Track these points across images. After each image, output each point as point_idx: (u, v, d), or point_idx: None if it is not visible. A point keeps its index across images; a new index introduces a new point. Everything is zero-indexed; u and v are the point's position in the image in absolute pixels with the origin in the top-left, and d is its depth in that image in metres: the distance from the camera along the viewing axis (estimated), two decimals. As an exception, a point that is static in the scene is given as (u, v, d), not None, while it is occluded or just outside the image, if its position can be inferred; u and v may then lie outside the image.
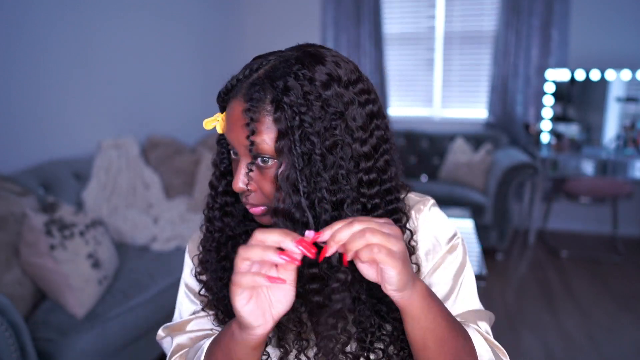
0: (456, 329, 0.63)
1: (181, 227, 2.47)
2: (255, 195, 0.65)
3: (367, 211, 0.64)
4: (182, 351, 0.75)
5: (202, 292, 0.75)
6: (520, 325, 2.48)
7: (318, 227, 0.59)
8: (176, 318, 0.82)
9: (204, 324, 0.78)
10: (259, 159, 0.62)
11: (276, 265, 0.56)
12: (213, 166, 0.73)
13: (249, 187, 0.63)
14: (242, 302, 0.55)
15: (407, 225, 0.69)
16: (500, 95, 3.75)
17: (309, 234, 0.55)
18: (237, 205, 0.73)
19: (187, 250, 0.84)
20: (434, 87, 3.99)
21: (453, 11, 3.83)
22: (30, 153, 2.24)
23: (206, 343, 0.68)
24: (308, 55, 0.62)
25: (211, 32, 3.76)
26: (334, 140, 0.60)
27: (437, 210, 0.76)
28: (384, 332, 0.67)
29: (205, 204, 0.75)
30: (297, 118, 0.58)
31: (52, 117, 2.37)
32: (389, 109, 4.01)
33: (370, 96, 0.65)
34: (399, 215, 0.67)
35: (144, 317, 1.89)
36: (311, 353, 0.69)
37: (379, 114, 0.65)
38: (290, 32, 4.10)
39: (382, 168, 0.65)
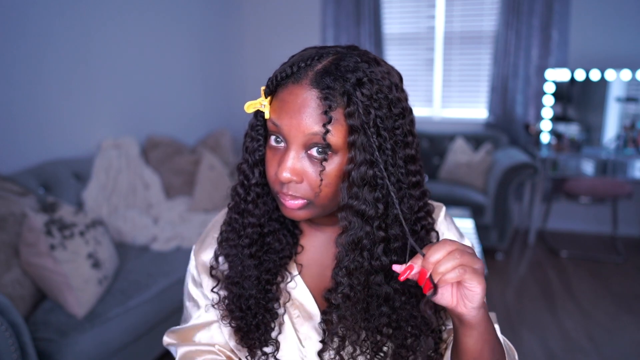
0: (497, 336, 0.67)
1: (181, 227, 2.47)
2: (298, 186, 0.62)
3: (413, 211, 0.66)
4: None
5: (217, 289, 0.74)
6: (520, 325, 2.48)
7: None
8: (182, 321, 0.81)
9: (209, 337, 0.76)
10: (314, 150, 0.60)
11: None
12: (246, 153, 0.70)
13: (295, 178, 0.61)
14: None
15: (434, 227, 0.72)
16: (500, 95, 3.75)
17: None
18: (266, 199, 0.71)
19: (193, 251, 0.81)
20: (434, 87, 3.99)
21: (453, 11, 3.83)
22: (30, 153, 2.24)
23: None
24: (369, 57, 0.63)
25: (211, 32, 3.76)
26: (396, 140, 0.62)
27: (450, 219, 0.80)
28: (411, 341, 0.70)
29: (231, 194, 0.72)
30: (373, 113, 0.59)
31: (52, 117, 2.37)
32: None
33: (410, 105, 0.67)
34: (431, 219, 0.70)
35: (144, 317, 1.89)
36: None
37: (414, 123, 0.68)
38: (290, 32, 4.10)
39: (421, 172, 0.68)
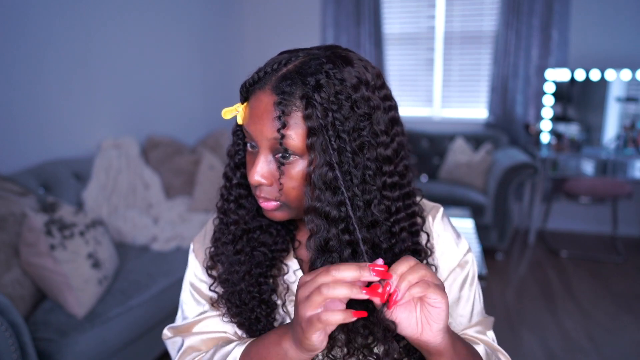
0: (473, 352, 0.66)
1: (181, 227, 2.47)
2: (270, 189, 0.64)
3: (390, 213, 0.65)
4: (196, 354, 0.74)
5: (213, 287, 0.75)
6: (520, 325, 2.48)
7: (354, 226, 0.61)
8: (178, 319, 0.82)
9: (214, 326, 0.77)
10: (279, 154, 0.62)
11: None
12: (228, 157, 0.73)
13: (264, 181, 0.63)
14: (320, 336, 0.55)
15: (424, 228, 0.71)
16: (500, 95, 3.75)
17: (379, 261, 0.56)
18: (250, 199, 0.73)
19: (191, 249, 0.83)
20: (434, 87, 3.99)
21: (453, 11, 3.83)
22: (30, 153, 2.24)
23: (236, 350, 0.68)
24: (338, 57, 0.63)
25: (211, 32, 3.76)
26: (362, 141, 0.61)
27: (447, 220, 0.79)
28: None
29: (219, 195, 0.75)
30: (330, 115, 0.59)
31: (52, 117, 2.37)
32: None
33: (392, 102, 0.67)
34: (416, 219, 0.69)
35: (144, 317, 1.89)
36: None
37: (399, 120, 0.67)
38: (290, 32, 4.11)
39: (402, 172, 0.66)
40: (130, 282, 1.96)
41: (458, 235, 0.79)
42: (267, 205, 0.65)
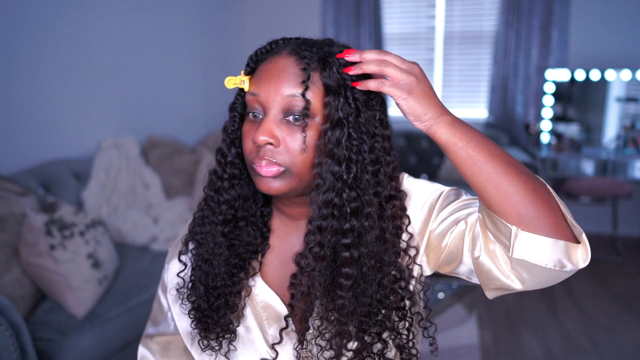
0: (502, 149, 0.62)
1: (181, 227, 2.47)
2: (275, 151, 0.62)
3: (387, 176, 0.68)
4: None
5: (183, 274, 0.74)
6: (520, 325, 2.48)
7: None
8: (156, 318, 0.84)
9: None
10: (291, 117, 0.62)
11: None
12: (223, 133, 0.71)
13: (272, 140, 0.61)
14: None
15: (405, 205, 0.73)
16: (500, 95, 3.75)
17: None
18: (242, 182, 0.71)
19: (168, 259, 0.82)
20: (433, 87, 3.98)
21: (453, 11, 3.83)
22: (30, 153, 2.24)
23: None
24: (339, 45, 0.67)
25: (211, 32, 3.76)
26: (372, 113, 0.66)
27: (412, 178, 0.78)
28: (379, 318, 0.67)
29: (208, 176, 0.73)
30: (348, 79, 0.62)
31: (52, 117, 2.37)
32: (389, 109, 4.00)
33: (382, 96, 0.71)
34: (400, 194, 0.71)
35: (144, 317, 1.87)
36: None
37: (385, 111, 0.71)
38: (290, 32, 4.02)
39: (392, 146, 0.70)
40: (130, 282, 1.96)
41: (430, 182, 0.77)
42: (269, 171, 0.62)
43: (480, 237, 0.64)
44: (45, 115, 2.33)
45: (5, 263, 1.67)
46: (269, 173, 0.62)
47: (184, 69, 3.46)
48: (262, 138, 0.61)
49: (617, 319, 2.53)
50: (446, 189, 0.74)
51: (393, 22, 3.98)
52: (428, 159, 3.81)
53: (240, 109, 0.70)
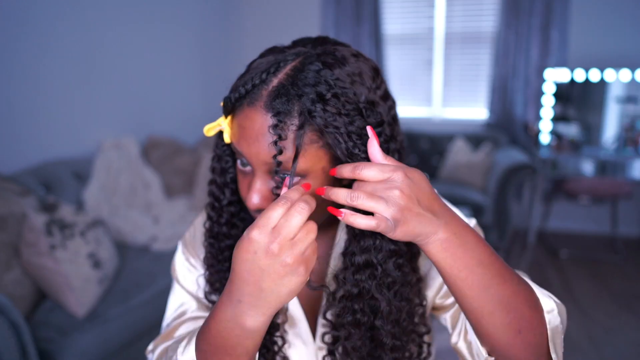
0: (503, 275, 0.55)
1: (181, 227, 2.48)
2: None
3: None
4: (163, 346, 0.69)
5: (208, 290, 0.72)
6: (520, 325, 2.48)
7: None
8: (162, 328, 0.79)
9: (194, 326, 0.73)
10: (278, 176, 0.57)
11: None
12: (214, 174, 0.68)
13: (265, 204, 0.59)
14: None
15: None
16: (500, 95, 3.75)
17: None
18: (242, 215, 0.69)
19: (179, 249, 0.80)
20: (433, 87, 3.99)
21: (453, 11, 3.83)
22: (30, 153, 2.25)
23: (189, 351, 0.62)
24: (330, 55, 0.58)
25: (211, 32, 3.76)
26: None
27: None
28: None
29: (207, 216, 0.70)
30: (343, 130, 0.55)
31: (53, 117, 2.37)
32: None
33: (391, 100, 0.64)
34: None
35: (144, 317, 1.89)
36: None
37: (398, 119, 0.66)
38: (290, 32, 4.07)
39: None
40: (130, 282, 1.97)
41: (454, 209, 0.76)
42: None
43: (460, 322, 0.65)
44: (45, 115, 2.33)
45: (5, 263, 1.67)
46: None
47: (184, 69, 3.46)
48: (254, 203, 0.58)
49: (617, 319, 2.53)
50: (470, 223, 0.73)
51: (393, 22, 3.98)
52: (428, 159, 3.81)
53: (228, 150, 0.67)
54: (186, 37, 3.46)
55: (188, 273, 0.77)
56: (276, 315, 0.68)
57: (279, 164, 0.54)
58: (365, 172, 0.51)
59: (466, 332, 0.65)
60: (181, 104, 3.44)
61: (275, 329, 0.68)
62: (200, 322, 0.72)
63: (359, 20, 3.89)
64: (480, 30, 3.81)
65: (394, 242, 0.59)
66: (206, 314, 0.74)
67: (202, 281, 0.75)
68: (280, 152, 0.54)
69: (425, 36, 3.94)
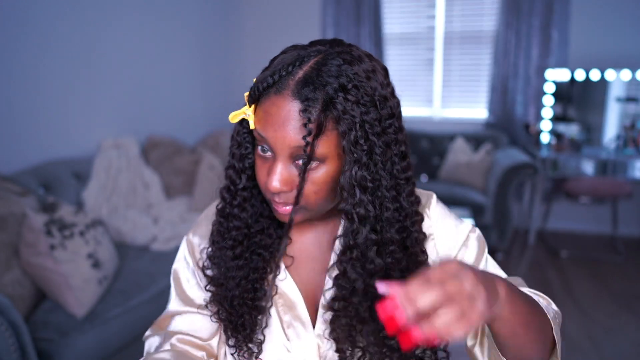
0: (533, 304, 0.63)
1: (181, 227, 2.47)
2: (289, 195, 0.63)
3: (403, 208, 0.66)
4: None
5: (209, 287, 0.74)
6: (520, 325, 2.48)
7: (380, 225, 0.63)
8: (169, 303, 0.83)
9: (193, 322, 0.77)
10: (301, 160, 0.61)
11: None
12: (231, 158, 0.71)
13: (285, 188, 0.62)
14: None
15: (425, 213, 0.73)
16: (500, 95, 3.75)
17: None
18: (253, 201, 0.72)
19: (186, 238, 0.83)
20: (434, 87, 3.99)
21: (453, 11, 3.83)
22: (30, 153, 2.24)
23: None
24: (351, 55, 0.62)
25: (211, 32, 3.76)
26: (387, 140, 0.62)
27: (442, 205, 0.78)
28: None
29: (220, 197, 0.73)
30: (359, 118, 0.59)
31: (52, 117, 2.37)
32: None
33: (397, 98, 0.67)
34: (420, 217, 0.70)
35: (144, 317, 1.89)
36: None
37: (402, 116, 0.68)
38: (290, 32, 4.10)
39: (410, 166, 0.68)
40: (130, 282, 1.96)
41: (457, 218, 0.78)
42: (286, 209, 0.64)
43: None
44: (45, 115, 2.33)
45: (5, 263, 1.67)
46: (287, 211, 0.64)
47: (184, 69, 3.46)
48: (274, 186, 0.61)
49: (617, 319, 2.53)
50: (472, 235, 0.75)
51: (393, 22, 3.98)
52: (428, 159, 3.81)
53: (249, 137, 0.69)
54: (186, 38, 3.46)
55: (187, 272, 0.82)
56: (263, 298, 0.72)
57: (308, 144, 0.58)
58: (421, 300, 0.44)
59: (482, 335, 0.69)
60: (181, 104, 3.44)
61: (259, 311, 0.71)
62: (196, 317, 0.77)
63: (359, 20, 3.89)
64: (480, 30, 3.81)
65: (378, 232, 0.63)
66: (194, 309, 0.78)
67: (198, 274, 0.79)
68: (310, 133, 0.57)
69: (425, 36, 3.93)
